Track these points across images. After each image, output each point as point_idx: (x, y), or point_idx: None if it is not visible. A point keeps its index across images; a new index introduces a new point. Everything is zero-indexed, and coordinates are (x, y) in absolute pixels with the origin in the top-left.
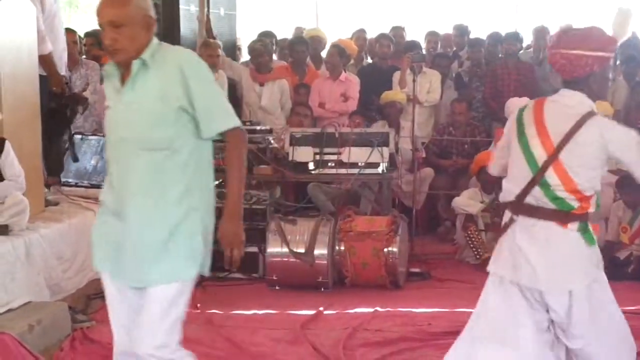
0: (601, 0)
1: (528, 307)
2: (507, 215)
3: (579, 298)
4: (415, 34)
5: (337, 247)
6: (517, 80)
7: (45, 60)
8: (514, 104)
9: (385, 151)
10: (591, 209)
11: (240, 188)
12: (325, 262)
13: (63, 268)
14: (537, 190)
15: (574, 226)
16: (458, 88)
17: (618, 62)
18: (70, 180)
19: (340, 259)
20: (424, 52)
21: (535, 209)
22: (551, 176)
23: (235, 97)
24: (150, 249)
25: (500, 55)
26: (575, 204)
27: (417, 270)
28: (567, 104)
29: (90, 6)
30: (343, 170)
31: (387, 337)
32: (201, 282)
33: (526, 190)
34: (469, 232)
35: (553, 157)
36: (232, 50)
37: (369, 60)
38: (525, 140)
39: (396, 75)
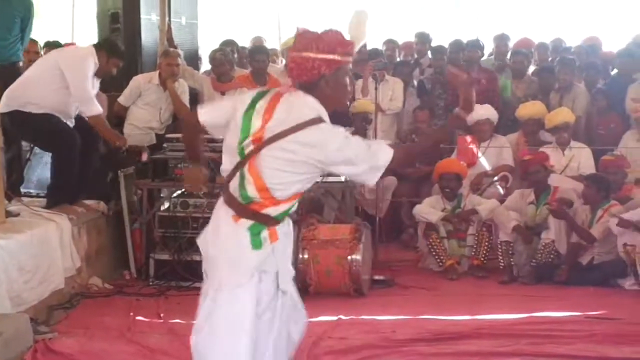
0: (559, 6)
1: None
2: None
3: (213, 295)
4: (376, 42)
5: (300, 255)
6: (480, 87)
7: (93, 122)
8: (476, 111)
9: None
10: (271, 212)
11: None
12: None
13: (25, 279)
14: (235, 176)
15: (246, 223)
16: (420, 96)
17: (578, 65)
18: (31, 190)
19: (303, 267)
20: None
21: (226, 194)
22: (247, 170)
23: (197, 107)
24: None
25: (462, 63)
26: (256, 198)
27: (380, 277)
28: (302, 104)
29: (54, 14)
30: None
31: (351, 345)
32: (164, 292)
33: (232, 174)
34: (431, 240)
35: (257, 150)
36: (194, 59)
37: None
38: (248, 119)
39: (358, 83)
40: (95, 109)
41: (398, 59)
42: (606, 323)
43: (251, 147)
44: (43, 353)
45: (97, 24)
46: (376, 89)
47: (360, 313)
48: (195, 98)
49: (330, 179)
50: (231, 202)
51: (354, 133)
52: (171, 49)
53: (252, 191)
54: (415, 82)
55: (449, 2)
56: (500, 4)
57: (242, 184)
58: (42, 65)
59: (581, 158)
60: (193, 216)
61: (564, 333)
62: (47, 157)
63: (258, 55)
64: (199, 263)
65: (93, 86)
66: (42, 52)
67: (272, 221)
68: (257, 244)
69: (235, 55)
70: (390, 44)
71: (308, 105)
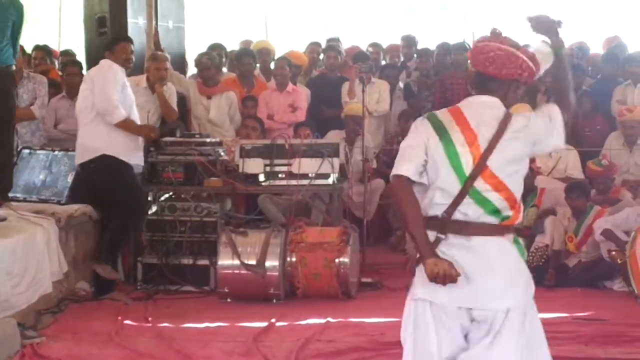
0: (546, 8)
1: (458, 331)
2: (431, 234)
3: (513, 318)
4: (362, 44)
5: (288, 259)
6: (466, 90)
7: (122, 127)
8: None
9: (336, 162)
10: (520, 219)
11: None
12: (277, 273)
13: (12, 284)
14: (467, 203)
15: (509, 237)
16: (407, 98)
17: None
18: (18, 195)
19: (291, 270)
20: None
21: (466, 225)
22: (482, 184)
23: (184, 111)
24: None
25: (450, 65)
26: (508, 212)
27: (368, 280)
28: (485, 106)
29: (39, 19)
30: (293, 182)
31: (340, 348)
32: (152, 295)
33: (456, 203)
34: None
35: (482, 163)
36: (181, 63)
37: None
38: (452, 148)
39: (345, 86)
40: (119, 114)
41: (383, 62)
42: (593, 324)
43: (472, 166)
44: (31, 357)
45: (84, 28)
46: (363, 91)
47: (348, 316)
48: (183, 102)
49: (318, 182)
50: (484, 230)
51: (346, 136)
52: (159, 53)
53: (498, 202)
54: (402, 85)
55: (435, 5)
56: (486, 7)
57: (482, 201)
58: (82, 103)
59: (568, 160)
60: (181, 220)
61: (551, 334)
62: (34, 161)
63: (244, 58)
64: (187, 267)
65: (121, 97)
66: (32, 56)
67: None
68: (522, 252)
69: (224, 59)
70: (375, 47)
71: (494, 104)
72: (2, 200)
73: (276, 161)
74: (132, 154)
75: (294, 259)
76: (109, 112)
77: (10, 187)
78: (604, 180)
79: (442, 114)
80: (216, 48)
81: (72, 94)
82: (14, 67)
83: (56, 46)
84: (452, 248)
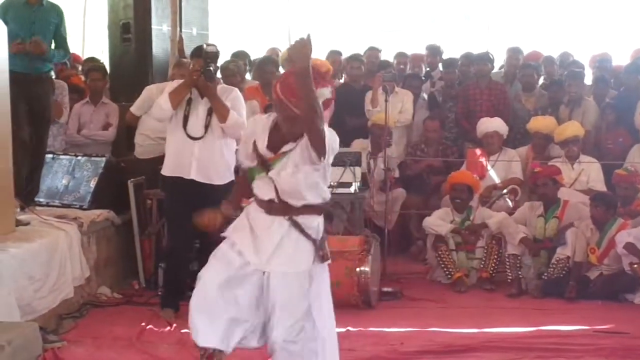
0: (571, 19)
1: None
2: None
3: None
4: (387, 54)
5: None
6: (488, 101)
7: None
8: (485, 124)
9: (358, 171)
10: None
11: None
12: None
13: (34, 288)
14: None
15: None
16: (431, 108)
17: (590, 83)
18: (41, 199)
19: None
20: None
21: None
22: None
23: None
24: None
25: (473, 75)
26: None
27: (389, 289)
28: None
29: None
30: None
31: (360, 357)
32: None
33: None
34: (440, 252)
35: None
36: None
37: (341, 81)
38: None
39: (368, 95)
40: (163, 98)
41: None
42: (614, 337)
43: None
44: None
45: (108, 35)
46: (387, 101)
47: (368, 325)
48: None
49: (339, 190)
50: None
51: (372, 145)
52: (184, 60)
53: None
54: (426, 95)
55: (458, 15)
56: (509, 17)
57: None
58: None
59: (590, 172)
60: None
61: (571, 347)
62: (57, 166)
63: (267, 67)
64: None
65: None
66: None
67: None
68: None
69: (248, 67)
70: (402, 57)
71: None
72: (27, 204)
73: None
74: (194, 169)
75: None
76: (157, 106)
77: (37, 192)
78: (627, 185)
79: None
80: (239, 55)
81: (96, 99)
82: (52, 73)
83: (80, 52)
84: None
